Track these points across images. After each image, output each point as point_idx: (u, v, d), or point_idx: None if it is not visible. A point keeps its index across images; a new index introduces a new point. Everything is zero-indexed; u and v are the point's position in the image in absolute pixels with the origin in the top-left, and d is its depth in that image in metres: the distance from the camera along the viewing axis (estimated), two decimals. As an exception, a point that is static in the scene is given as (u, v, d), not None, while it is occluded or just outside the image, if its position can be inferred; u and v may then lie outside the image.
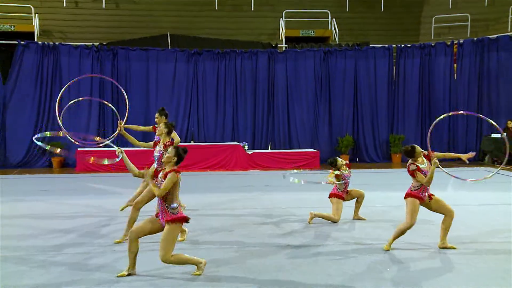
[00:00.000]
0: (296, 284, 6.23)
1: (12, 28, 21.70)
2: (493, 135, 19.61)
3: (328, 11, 23.65)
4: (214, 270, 6.70)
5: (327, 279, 6.41)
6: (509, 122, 19.55)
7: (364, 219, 9.93)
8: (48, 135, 9.55)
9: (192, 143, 19.70)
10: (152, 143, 8.94)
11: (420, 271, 6.74)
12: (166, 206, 6.43)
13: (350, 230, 9.09)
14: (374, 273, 6.64)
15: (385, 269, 6.82)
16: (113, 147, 7.84)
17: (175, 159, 6.57)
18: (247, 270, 6.77)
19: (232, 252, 7.63)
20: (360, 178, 15.79)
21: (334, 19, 23.50)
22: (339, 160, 9.89)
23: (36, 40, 21.08)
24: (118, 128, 9.16)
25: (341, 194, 9.82)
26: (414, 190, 7.90)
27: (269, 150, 20.12)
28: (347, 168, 9.90)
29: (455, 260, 7.23)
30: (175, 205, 6.46)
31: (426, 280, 6.38)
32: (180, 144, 8.65)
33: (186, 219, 6.54)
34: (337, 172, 9.70)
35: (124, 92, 9.98)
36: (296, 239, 8.33)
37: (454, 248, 7.76)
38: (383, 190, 13.56)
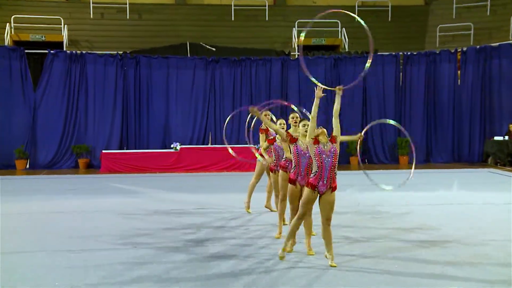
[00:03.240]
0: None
1: (43, 39, 21.88)
2: (496, 138, 19.37)
3: (338, 21, 23.52)
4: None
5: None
6: (510, 125, 19.28)
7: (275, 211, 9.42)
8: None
9: (210, 145, 19.64)
10: None
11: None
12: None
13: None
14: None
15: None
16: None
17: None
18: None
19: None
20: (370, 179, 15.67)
21: (344, 29, 23.37)
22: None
23: (64, 49, 21.20)
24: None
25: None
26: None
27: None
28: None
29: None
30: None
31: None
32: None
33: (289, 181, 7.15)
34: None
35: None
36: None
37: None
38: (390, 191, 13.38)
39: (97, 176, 17.49)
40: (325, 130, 6.66)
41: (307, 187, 6.61)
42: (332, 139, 6.63)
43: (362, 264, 6.72)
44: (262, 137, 9.54)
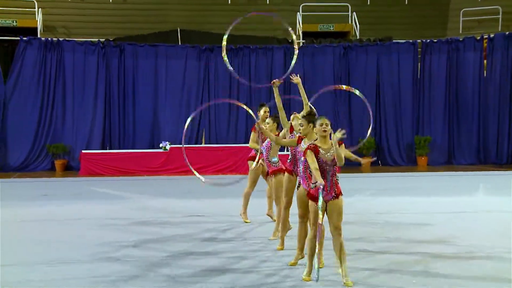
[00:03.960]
0: None
1: (15, 24, 21.80)
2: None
3: (348, 5, 23.47)
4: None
5: None
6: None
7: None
8: None
9: (202, 145, 19.63)
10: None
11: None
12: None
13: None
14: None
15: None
16: None
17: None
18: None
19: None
20: (383, 183, 15.67)
21: (354, 13, 23.31)
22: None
23: (39, 36, 21.15)
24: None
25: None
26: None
27: (285, 153, 19.94)
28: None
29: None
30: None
31: None
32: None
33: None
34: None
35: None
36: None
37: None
38: (407, 195, 13.39)
39: (76, 179, 17.49)
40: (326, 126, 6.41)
41: (310, 199, 6.55)
42: (340, 143, 6.44)
43: (377, 280, 6.69)
44: (253, 135, 10.17)
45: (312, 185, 6.46)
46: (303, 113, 7.51)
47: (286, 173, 7.93)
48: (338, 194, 6.52)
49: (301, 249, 7.25)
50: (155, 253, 7.97)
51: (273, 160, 8.37)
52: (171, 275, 6.89)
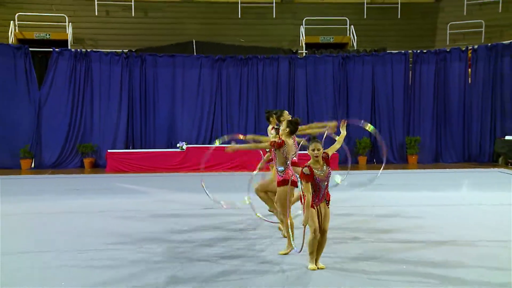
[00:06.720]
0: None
1: (48, 37, 22.01)
2: (507, 137, 19.38)
3: (347, 19, 23.55)
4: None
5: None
6: (522, 124, 19.32)
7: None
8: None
9: (216, 144, 19.67)
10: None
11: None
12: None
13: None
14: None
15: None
16: None
17: (287, 130, 7.40)
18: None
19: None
20: (377, 179, 15.72)
21: (352, 26, 23.39)
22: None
23: (69, 47, 21.33)
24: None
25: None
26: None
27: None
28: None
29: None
30: (281, 168, 7.35)
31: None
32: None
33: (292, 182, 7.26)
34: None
35: None
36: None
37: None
38: (399, 190, 13.45)
39: (103, 175, 17.61)
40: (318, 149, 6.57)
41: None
42: (327, 161, 6.68)
43: (370, 265, 6.78)
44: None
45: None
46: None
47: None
48: (328, 201, 6.72)
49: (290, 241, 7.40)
50: (174, 240, 8.09)
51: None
52: (189, 258, 7.04)
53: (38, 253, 7.40)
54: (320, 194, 6.61)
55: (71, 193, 13.38)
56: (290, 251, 7.30)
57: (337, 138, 7.22)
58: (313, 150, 6.54)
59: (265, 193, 8.31)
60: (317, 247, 6.65)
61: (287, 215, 7.38)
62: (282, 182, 7.36)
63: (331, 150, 6.84)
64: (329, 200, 6.75)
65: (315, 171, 6.54)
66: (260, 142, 7.69)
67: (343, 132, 7.30)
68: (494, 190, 13.28)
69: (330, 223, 6.78)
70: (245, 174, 17.42)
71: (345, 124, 7.42)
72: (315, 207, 6.59)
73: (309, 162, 6.63)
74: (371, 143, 20.51)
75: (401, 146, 20.83)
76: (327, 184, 6.68)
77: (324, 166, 6.63)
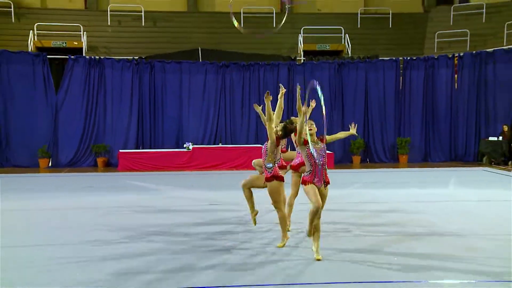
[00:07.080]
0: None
1: (64, 45, 22.08)
2: (490, 138, 19.42)
3: (342, 28, 23.60)
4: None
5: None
6: (504, 126, 19.31)
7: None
8: None
9: (220, 145, 19.76)
10: None
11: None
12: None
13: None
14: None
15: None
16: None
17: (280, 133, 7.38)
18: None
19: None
20: (371, 177, 15.76)
21: (347, 35, 23.43)
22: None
23: (84, 55, 21.36)
24: None
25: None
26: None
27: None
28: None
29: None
30: (270, 165, 7.23)
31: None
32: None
33: (279, 178, 7.19)
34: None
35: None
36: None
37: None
38: (390, 188, 13.48)
39: (115, 174, 17.59)
40: (313, 127, 6.79)
41: (304, 184, 6.73)
42: (322, 139, 6.76)
43: (364, 257, 6.81)
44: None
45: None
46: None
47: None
48: (327, 183, 6.75)
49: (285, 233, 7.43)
50: (179, 233, 8.12)
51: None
52: (193, 246, 7.07)
53: (56, 246, 7.44)
54: (318, 173, 6.64)
55: (86, 190, 13.41)
56: (286, 241, 7.34)
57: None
58: (309, 127, 6.71)
59: (249, 190, 7.91)
60: (315, 230, 6.69)
61: (282, 208, 7.39)
62: (271, 178, 7.24)
63: (330, 136, 7.07)
64: (328, 182, 6.80)
65: (310, 142, 6.64)
66: (271, 119, 7.26)
67: (352, 131, 7.39)
68: (479, 188, 13.32)
69: (327, 219, 6.86)
70: (247, 173, 17.49)
71: (355, 126, 7.51)
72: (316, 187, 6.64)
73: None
74: (364, 143, 20.53)
75: (392, 146, 20.83)
76: (324, 165, 6.73)
77: (319, 143, 6.76)
